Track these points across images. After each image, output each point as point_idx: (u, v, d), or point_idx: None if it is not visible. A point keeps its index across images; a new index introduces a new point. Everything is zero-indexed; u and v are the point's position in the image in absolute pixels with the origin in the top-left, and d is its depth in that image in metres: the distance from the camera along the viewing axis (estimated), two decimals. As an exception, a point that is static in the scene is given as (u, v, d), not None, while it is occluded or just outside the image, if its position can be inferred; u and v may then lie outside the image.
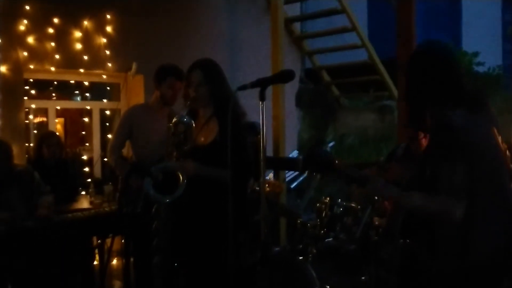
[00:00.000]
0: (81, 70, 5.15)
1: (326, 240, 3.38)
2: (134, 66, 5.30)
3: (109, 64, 5.26)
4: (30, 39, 4.79)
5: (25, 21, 4.77)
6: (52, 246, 3.66)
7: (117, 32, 5.30)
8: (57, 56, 4.93)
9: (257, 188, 3.47)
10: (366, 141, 7.54)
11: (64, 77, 5.33)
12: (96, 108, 5.60)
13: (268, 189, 3.94)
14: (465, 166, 1.95)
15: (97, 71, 5.30)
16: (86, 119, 5.70)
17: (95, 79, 5.50)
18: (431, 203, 2.01)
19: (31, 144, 5.17)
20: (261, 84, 2.09)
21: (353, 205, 3.45)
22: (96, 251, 4.39)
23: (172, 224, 2.73)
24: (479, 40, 8.45)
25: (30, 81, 5.10)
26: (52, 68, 4.96)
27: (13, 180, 3.68)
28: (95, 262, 4.44)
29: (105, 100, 5.78)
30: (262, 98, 2.07)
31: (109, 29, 5.27)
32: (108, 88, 5.87)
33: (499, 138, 2.15)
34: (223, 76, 2.90)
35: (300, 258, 3.26)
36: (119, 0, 5.31)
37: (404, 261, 2.58)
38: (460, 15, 9.45)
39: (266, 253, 2.06)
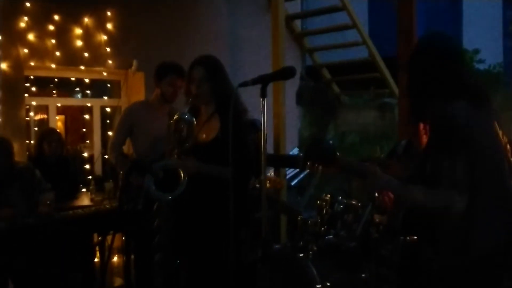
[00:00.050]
0: (82, 67, 5.15)
1: (327, 237, 3.38)
2: (134, 64, 5.30)
3: (110, 61, 5.26)
4: (31, 36, 4.79)
5: (26, 18, 4.76)
6: (53, 243, 3.66)
7: (118, 29, 5.29)
8: (57, 53, 4.93)
9: (258, 186, 3.47)
10: (367, 139, 7.53)
11: (65, 74, 5.33)
12: (97, 105, 5.60)
13: (268, 185, 3.94)
14: (466, 159, 1.94)
15: (98, 68, 5.29)
16: (86, 116, 5.69)
17: (96, 76, 5.49)
18: (431, 196, 1.99)
19: (32, 141, 5.17)
20: (263, 80, 2.08)
21: (353, 202, 3.45)
22: (97, 248, 4.40)
23: (173, 221, 2.73)
24: (480, 38, 8.45)
25: (30, 78, 5.10)
26: (53, 65, 4.95)
27: (14, 177, 3.69)
28: (96, 259, 4.45)
29: (105, 98, 5.78)
30: (263, 94, 2.06)
31: (109, 26, 5.26)
32: (109, 85, 5.87)
33: (500, 132, 2.15)
34: (225, 73, 2.90)
35: (301, 255, 3.26)
36: (120, -3, 5.32)
37: (405, 258, 2.58)
38: (461, 12, 9.44)
39: (267, 251, 2.06)
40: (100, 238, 4.35)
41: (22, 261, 3.55)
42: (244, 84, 2.14)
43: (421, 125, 2.61)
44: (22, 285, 3.65)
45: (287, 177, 5.49)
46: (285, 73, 2.19)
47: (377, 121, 7.61)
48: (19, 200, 3.66)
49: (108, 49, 5.24)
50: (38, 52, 4.84)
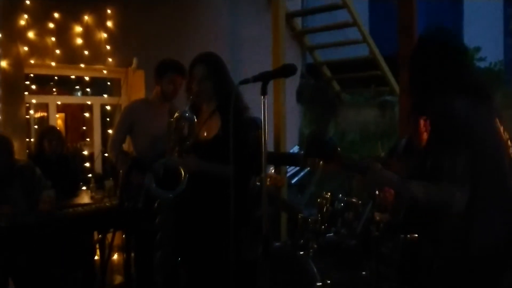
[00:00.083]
0: (82, 65, 5.14)
1: (327, 235, 3.39)
2: (135, 61, 5.30)
3: (110, 59, 5.26)
4: (31, 34, 4.78)
5: (26, 16, 4.75)
6: (53, 241, 3.67)
7: (118, 27, 5.29)
8: (57, 51, 4.92)
9: (258, 183, 3.47)
10: (367, 137, 7.53)
11: (65, 72, 5.32)
12: (97, 103, 5.59)
13: (269, 183, 3.94)
14: (467, 154, 1.93)
15: (98, 66, 5.29)
16: (87, 114, 5.69)
17: (96, 74, 5.49)
18: (432, 190, 1.98)
19: (32, 139, 5.18)
20: (263, 78, 2.07)
21: (354, 200, 3.45)
22: (97, 246, 4.41)
23: (173, 219, 2.73)
24: (481, 35, 8.43)
25: (30, 76, 5.09)
26: (53, 63, 4.95)
27: (14, 175, 3.68)
28: (96, 257, 4.45)
29: (105, 95, 5.78)
30: (264, 92, 2.05)
31: (110, 24, 5.25)
32: (109, 83, 5.87)
33: (501, 128, 2.14)
34: (226, 71, 2.89)
35: (301, 253, 3.26)
36: (120, -5, 5.31)
37: (405, 256, 2.58)
38: (462, 10, 9.42)
39: (267, 248, 2.06)
40: (100, 236, 4.35)
41: (23, 259, 3.56)
42: (245, 82, 2.13)
43: (422, 123, 2.61)
44: (22, 283, 3.65)
45: (288, 175, 5.49)
46: (286, 71, 2.18)
47: (377, 119, 7.60)
48: (19, 198, 3.65)
49: (108, 47, 5.23)
50: (38, 50, 4.84)
